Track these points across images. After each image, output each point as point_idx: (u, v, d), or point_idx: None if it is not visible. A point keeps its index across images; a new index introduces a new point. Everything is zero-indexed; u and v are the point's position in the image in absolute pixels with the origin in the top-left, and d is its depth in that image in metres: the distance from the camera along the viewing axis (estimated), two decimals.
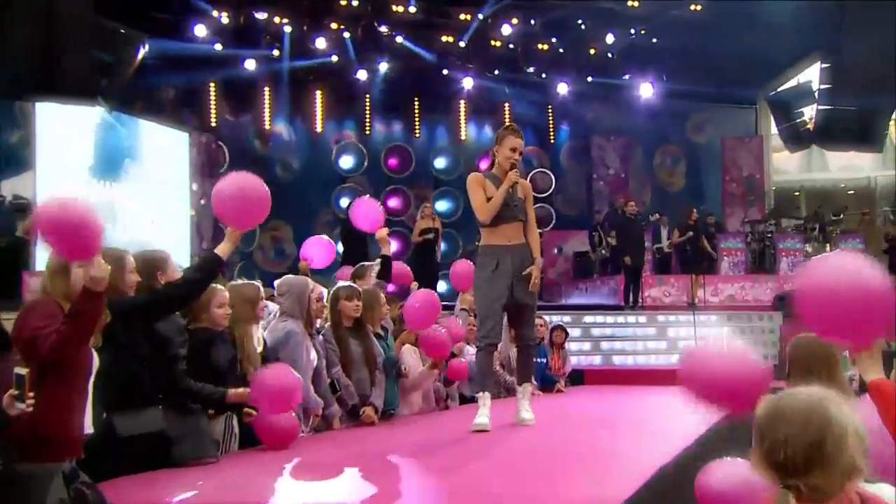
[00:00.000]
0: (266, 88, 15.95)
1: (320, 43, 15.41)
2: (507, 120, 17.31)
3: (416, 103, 17.16)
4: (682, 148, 18.36)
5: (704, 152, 18.13)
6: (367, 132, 16.90)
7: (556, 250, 15.97)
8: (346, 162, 16.54)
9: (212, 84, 15.31)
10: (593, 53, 16.36)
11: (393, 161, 16.85)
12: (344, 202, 15.81)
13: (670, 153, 18.48)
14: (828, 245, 15.23)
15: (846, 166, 19.45)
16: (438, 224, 12.37)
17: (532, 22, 15.87)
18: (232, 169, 14.58)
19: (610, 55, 16.40)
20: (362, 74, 16.07)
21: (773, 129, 18.04)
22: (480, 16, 15.60)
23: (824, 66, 14.76)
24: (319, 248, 6.45)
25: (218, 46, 14.69)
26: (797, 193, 19.85)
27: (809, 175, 19.72)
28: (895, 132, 17.62)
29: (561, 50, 16.25)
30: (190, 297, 3.79)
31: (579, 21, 15.78)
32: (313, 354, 5.01)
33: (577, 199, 17.69)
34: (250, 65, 15.21)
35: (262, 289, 4.70)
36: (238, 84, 15.34)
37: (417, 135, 17.23)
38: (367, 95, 16.68)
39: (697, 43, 15.67)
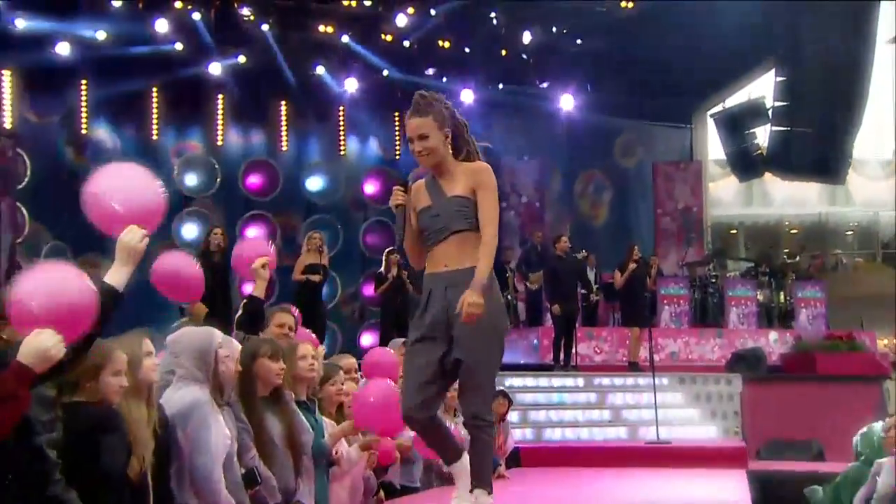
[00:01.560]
0: (83, 81, 14.91)
1: (161, 26, 14.59)
2: (397, 132, 16.94)
3: (283, 108, 16.62)
4: (607, 173, 18.58)
5: (634, 179, 18.47)
6: (220, 143, 16.18)
7: None
8: (191, 180, 15.63)
9: (6, 73, 14.07)
10: (505, 55, 16.20)
11: (253, 180, 16.15)
12: (188, 231, 14.89)
13: (594, 179, 18.67)
14: (782, 293, 15.53)
15: (792, 200, 20.06)
16: (326, 260, 11.73)
17: (432, 13, 15.54)
18: (35, 184, 13.98)
19: (525, 58, 16.34)
20: (215, 69, 15.38)
21: (711, 154, 18.32)
22: (367, 1, 15.11)
23: (779, 79, 15.10)
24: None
25: (20, 23, 13.56)
26: (734, 231, 20.29)
27: (749, 210, 20.35)
28: None
29: (467, 49, 16.09)
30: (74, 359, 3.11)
31: (492, 15, 15.62)
32: (227, 432, 4.27)
33: None
34: (63, 49, 14.18)
35: (148, 343, 4.06)
36: (44, 74, 14.23)
37: (284, 148, 16.69)
38: (221, 96, 16.07)
39: (628, 48, 15.90)
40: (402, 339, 6.36)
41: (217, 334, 4.51)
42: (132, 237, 3.34)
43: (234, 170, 15.88)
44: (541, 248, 14.44)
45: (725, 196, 20.05)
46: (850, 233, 20.34)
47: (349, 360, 5.82)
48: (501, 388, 9.12)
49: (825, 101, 14.80)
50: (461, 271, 3.96)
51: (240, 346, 4.72)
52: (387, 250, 12.86)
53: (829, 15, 14.29)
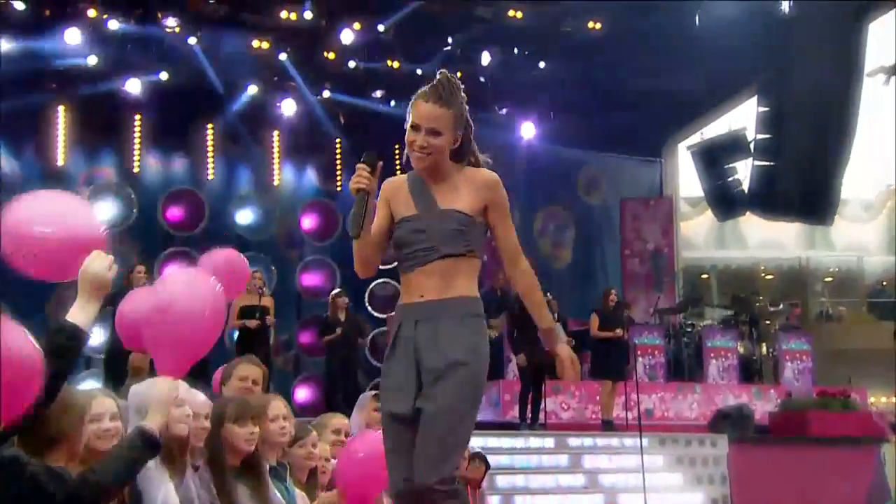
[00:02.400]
0: None
1: (71, 36, 14.20)
2: (338, 160, 16.68)
3: (210, 132, 16.30)
4: (570, 210, 18.57)
5: (599, 216, 18.50)
6: (136, 169, 15.77)
7: None
8: (104, 211, 15.08)
9: None
10: (461, 77, 15.93)
11: (175, 212, 15.76)
12: None
13: (555, 216, 18.60)
14: (764, 345, 15.53)
15: (769, 242, 20.22)
16: (270, 302, 11.37)
17: (381, 29, 15.35)
18: None
19: (482, 81, 16.27)
20: (133, 86, 15.03)
21: (682, 190, 18.38)
22: (308, 14, 14.90)
23: (762, 109, 15.14)
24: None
25: None
26: (706, 276, 20.37)
27: (722, 252, 20.41)
28: None
29: (419, 71, 15.84)
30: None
31: (447, 38, 15.68)
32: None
33: None
34: None
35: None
36: None
37: (210, 176, 16.41)
38: (138, 117, 15.73)
39: (595, 72, 15.96)
40: (374, 392, 6.14)
41: (178, 385, 4.03)
42: (99, 265, 3.15)
43: (152, 200, 15.44)
44: (501, 292, 14.17)
45: (696, 237, 20.10)
46: (829, 279, 20.43)
47: (339, 420, 5.46)
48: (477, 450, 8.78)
49: (812, 133, 14.76)
50: (441, 302, 3.56)
51: (206, 403, 4.41)
52: (333, 293, 12.51)
53: (815, 40, 14.39)
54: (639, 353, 14.67)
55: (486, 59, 16.05)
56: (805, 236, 19.98)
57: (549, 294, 13.95)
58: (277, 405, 4.90)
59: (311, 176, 17.08)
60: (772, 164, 15.17)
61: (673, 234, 18.07)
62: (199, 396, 4.35)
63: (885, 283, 19.74)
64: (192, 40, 14.83)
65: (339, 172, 16.89)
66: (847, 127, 15.02)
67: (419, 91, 3.64)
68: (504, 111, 16.87)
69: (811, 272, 19.90)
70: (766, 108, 15.26)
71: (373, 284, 15.78)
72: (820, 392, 13.90)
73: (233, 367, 5.34)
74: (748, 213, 16.37)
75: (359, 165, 3.60)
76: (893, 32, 16.54)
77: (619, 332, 12.94)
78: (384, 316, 15.67)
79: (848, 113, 14.96)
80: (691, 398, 14.43)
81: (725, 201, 16.01)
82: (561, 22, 15.83)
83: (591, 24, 15.84)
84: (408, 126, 3.61)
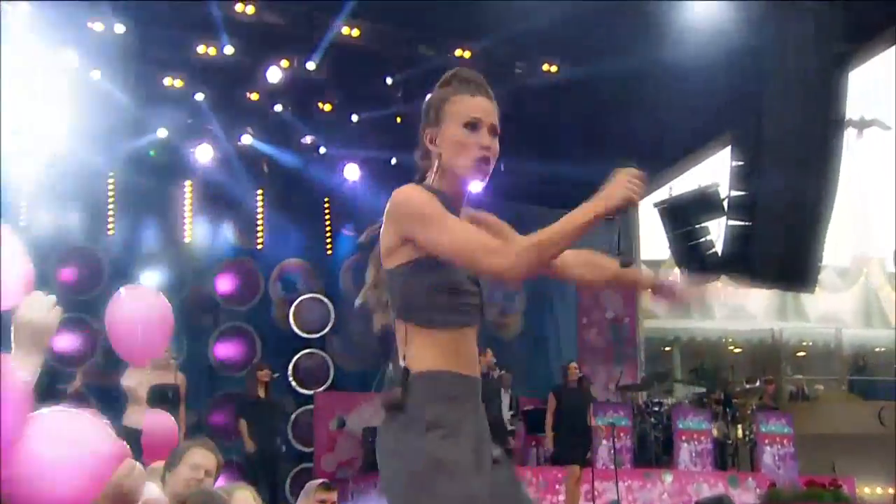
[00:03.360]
0: None
1: None
2: (259, 214, 15.89)
3: (111, 182, 15.49)
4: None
5: (553, 282, 16.95)
6: (21, 221, 14.65)
7: (333, 424, 14.74)
8: None
9: None
10: (399, 122, 15.30)
11: (68, 273, 15.06)
12: None
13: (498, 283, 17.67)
14: (739, 427, 14.76)
15: (737, 311, 19.84)
16: (181, 379, 10.76)
17: (310, 66, 14.47)
18: None
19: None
20: None
21: (644, 252, 17.99)
22: (228, 49, 13.96)
23: (736, 162, 14.43)
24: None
25: None
26: (668, 348, 20.03)
27: (687, 322, 19.93)
28: None
29: (355, 117, 15.30)
30: None
31: (386, 78, 14.87)
32: None
33: (367, 344, 16.02)
34: None
35: None
36: None
37: (111, 232, 15.56)
38: None
39: (547, 119, 15.43)
40: (321, 481, 6.27)
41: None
42: (37, 308, 3.07)
43: (44, 259, 14.37)
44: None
45: (658, 305, 19.27)
46: (803, 353, 19.98)
47: None
48: None
49: (791, 190, 13.89)
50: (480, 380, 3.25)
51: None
52: (253, 363, 11.56)
53: (793, 88, 13.77)
54: (604, 434, 13.89)
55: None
56: (777, 306, 19.57)
57: (500, 368, 13.59)
58: (245, 498, 4.89)
59: (227, 231, 16.33)
60: (747, 223, 14.38)
61: (634, 302, 17.48)
62: (154, 490, 4.29)
63: (865, 359, 19.18)
64: (95, 74, 13.74)
65: (259, 228, 16.24)
66: (829, 183, 14.22)
67: (452, 85, 3.26)
68: None
69: (783, 345, 19.44)
70: (741, 162, 14.54)
71: (298, 355, 15.30)
72: (808, 482, 13.08)
73: (183, 451, 5.03)
74: (721, 279, 15.30)
75: (633, 172, 3.06)
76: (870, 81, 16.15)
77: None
78: (311, 392, 15.07)
79: (829, 168, 14.16)
80: (661, 486, 13.56)
81: (696, 265, 14.91)
82: (513, 63, 15.14)
83: (546, 67, 15.15)
84: (452, 125, 3.19)
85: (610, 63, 14.03)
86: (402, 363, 3.06)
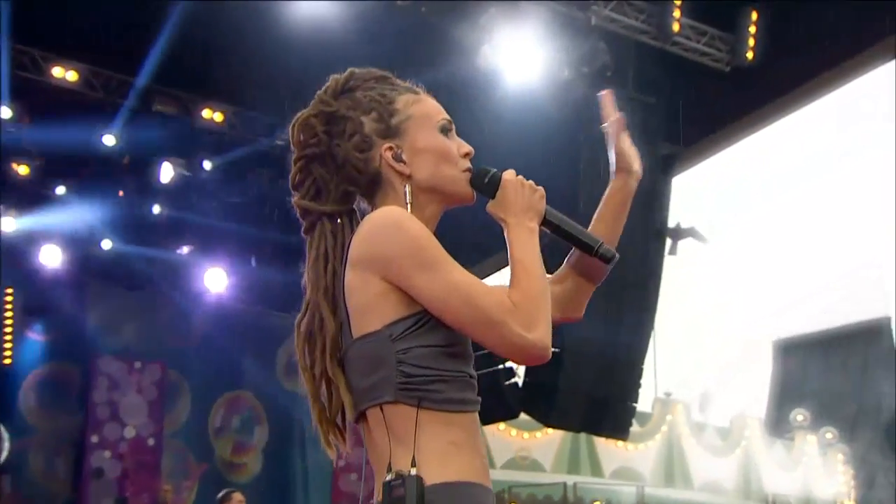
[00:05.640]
0: None
1: None
2: None
3: None
4: (262, 397, 16.80)
5: (304, 409, 15.67)
6: None
7: None
8: None
9: None
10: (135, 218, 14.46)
11: None
12: None
13: (240, 407, 16.83)
14: None
15: (520, 460, 19.08)
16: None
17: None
18: None
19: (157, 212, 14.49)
20: None
21: None
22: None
23: None
24: None
25: None
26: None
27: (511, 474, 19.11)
28: None
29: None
30: None
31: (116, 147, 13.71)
32: None
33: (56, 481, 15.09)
34: None
35: None
36: None
37: None
38: None
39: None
40: None
41: None
42: None
43: None
44: None
45: None
46: None
47: None
48: None
49: (605, 311, 13.02)
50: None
51: None
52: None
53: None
54: None
55: (167, 174, 14.03)
56: (568, 455, 18.89)
57: None
58: None
59: None
60: (554, 349, 12.64)
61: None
62: None
63: None
64: None
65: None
66: (648, 303, 13.89)
67: (402, 85, 2.87)
68: (184, 251, 15.05)
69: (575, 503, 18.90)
70: None
71: None
72: None
73: None
74: (520, 416, 14.83)
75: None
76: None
77: None
78: None
79: (649, 286, 13.87)
80: None
81: (492, 398, 13.85)
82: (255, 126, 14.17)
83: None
84: (425, 132, 2.80)
85: None
86: (405, 471, 2.44)
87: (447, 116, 2.75)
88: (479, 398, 2.57)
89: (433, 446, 2.47)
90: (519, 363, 2.98)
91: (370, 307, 2.49)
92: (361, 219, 2.65)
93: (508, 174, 2.59)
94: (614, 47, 12.49)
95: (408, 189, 2.67)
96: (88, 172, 14.10)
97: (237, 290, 15.59)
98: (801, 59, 12.22)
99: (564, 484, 18.71)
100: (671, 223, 15.21)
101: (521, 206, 2.56)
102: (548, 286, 2.54)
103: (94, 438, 15.65)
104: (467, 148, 2.74)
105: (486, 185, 2.62)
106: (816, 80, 12.58)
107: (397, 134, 2.70)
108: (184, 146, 14.02)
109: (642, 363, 14.03)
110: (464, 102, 12.66)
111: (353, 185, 2.70)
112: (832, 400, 24.71)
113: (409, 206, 2.66)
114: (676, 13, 11.72)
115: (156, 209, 14.54)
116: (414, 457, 2.44)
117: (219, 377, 16.85)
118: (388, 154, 2.67)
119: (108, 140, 13.55)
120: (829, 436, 23.31)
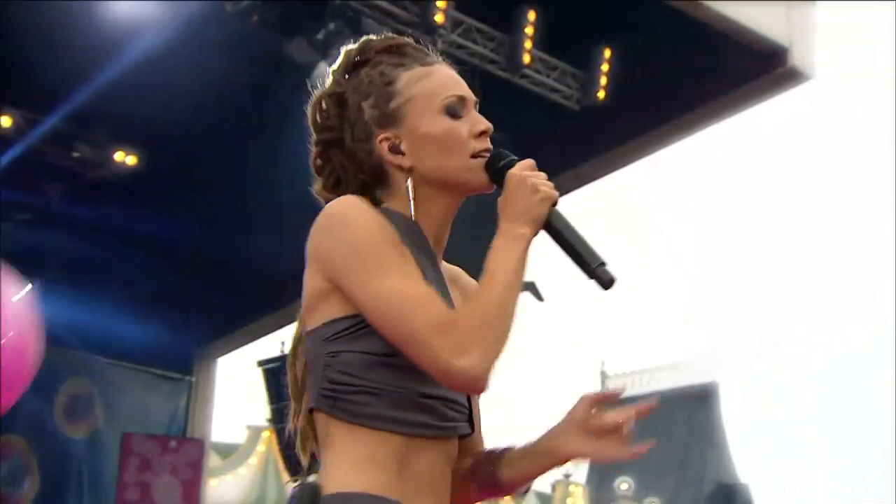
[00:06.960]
0: None
1: None
2: None
3: None
4: (35, 444, 15.51)
5: (86, 459, 15.53)
6: None
7: None
8: None
9: None
10: None
11: None
12: None
13: (10, 452, 15.54)
14: None
15: None
16: None
17: None
18: None
19: None
20: None
21: (218, 433, 16.88)
22: None
23: None
24: None
25: None
26: None
27: None
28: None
29: None
30: None
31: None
32: None
33: None
34: None
35: None
36: None
37: None
38: None
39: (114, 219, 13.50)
40: None
41: None
42: None
43: None
44: None
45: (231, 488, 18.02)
46: None
47: None
48: None
49: None
50: None
51: None
52: None
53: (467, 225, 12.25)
54: None
55: None
56: None
57: None
58: None
59: None
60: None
61: (198, 496, 15.50)
62: None
63: None
64: None
65: None
66: None
67: (414, 55, 2.65)
68: None
69: None
70: None
71: None
72: None
73: None
74: None
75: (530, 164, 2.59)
76: None
77: None
78: None
79: None
80: None
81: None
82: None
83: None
84: (426, 116, 2.57)
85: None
86: (310, 479, 2.57)
87: (457, 92, 2.55)
88: (439, 423, 2.42)
89: (347, 458, 2.39)
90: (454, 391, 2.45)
91: (314, 303, 2.47)
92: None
93: (516, 168, 2.41)
94: (460, 75, 12.36)
95: (409, 184, 2.54)
96: None
97: None
98: (655, 102, 12.01)
99: None
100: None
101: (515, 208, 2.39)
102: (513, 306, 2.35)
103: None
104: (482, 126, 2.55)
105: (496, 174, 2.45)
106: (670, 125, 12.48)
107: (395, 120, 2.53)
108: None
109: None
110: (296, 123, 12.12)
111: (365, 176, 2.59)
112: (657, 468, 25.01)
113: (412, 202, 2.55)
114: (528, 44, 11.33)
115: None
116: (323, 465, 2.46)
117: None
118: (384, 145, 2.54)
119: None
120: None
